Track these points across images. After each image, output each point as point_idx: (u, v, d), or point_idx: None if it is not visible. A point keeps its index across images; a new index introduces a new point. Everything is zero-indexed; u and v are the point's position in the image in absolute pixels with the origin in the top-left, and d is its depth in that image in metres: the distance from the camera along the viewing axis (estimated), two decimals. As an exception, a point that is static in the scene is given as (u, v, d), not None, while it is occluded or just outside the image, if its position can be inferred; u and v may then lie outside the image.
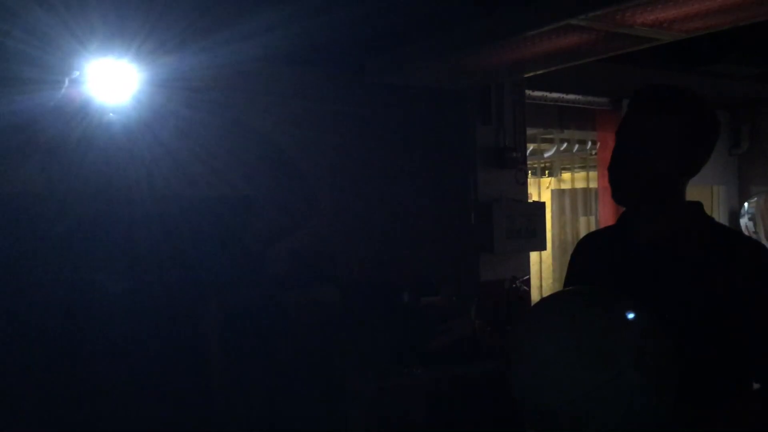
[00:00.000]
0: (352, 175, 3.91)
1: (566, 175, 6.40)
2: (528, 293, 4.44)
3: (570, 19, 2.83)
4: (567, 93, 4.79)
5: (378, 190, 3.99)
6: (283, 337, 3.32)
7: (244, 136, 3.46)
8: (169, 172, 3.10)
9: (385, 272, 3.94)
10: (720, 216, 5.89)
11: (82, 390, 2.88)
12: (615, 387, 1.31)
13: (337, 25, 2.97)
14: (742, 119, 5.90)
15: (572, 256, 1.86)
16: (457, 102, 4.28)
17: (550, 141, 5.59)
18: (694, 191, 1.63)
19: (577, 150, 5.63)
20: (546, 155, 5.88)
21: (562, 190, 6.41)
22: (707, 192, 5.95)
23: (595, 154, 5.48)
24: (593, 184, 5.81)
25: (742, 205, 5.89)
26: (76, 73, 2.76)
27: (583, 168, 6.00)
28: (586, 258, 1.81)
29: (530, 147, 5.22)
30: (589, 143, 5.55)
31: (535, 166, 6.14)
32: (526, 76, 4.04)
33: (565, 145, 5.58)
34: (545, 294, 5.74)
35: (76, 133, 2.85)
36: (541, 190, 6.43)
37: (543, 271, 6.13)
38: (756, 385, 1.55)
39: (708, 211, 1.65)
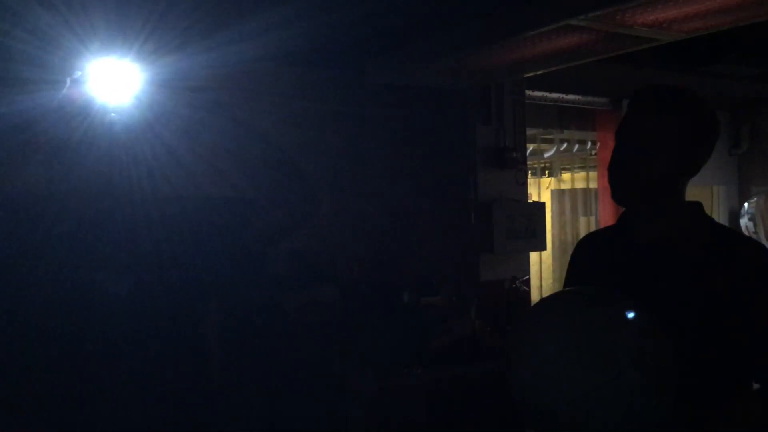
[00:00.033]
0: (352, 175, 3.91)
1: (566, 176, 6.41)
2: (528, 293, 4.44)
3: (570, 20, 2.83)
4: (567, 93, 4.80)
5: (378, 190, 3.99)
6: (284, 337, 3.32)
7: (245, 136, 3.46)
8: (170, 172, 3.11)
9: (385, 272, 3.94)
10: (720, 216, 5.89)
11: (82, 390, 2.88)
12: (615, 387, 1.31)
13: (338, 26, 2.97)
14: (742, 119, 5.90)
15: (572, 256, 1.87)
16: (457, 102, 4.28)
17: (550, 141, 5.59)
18: (694, 191, 1.64)
19: (577, 150, 5.63)
20: (546, 155, 5.88)
21: (562, 190, 6.41)
22: (707, 192, 5.95)
23: (595, 154, 5.48)
24: (593, 185, 5.82)
25: (741, 206, 5.89)
26: (77, 74, 2.76)
27: (583, 168, 6.01)
28: (586, 258, 1.81)
29: (530, 147, 5.23)
30: (589, 143, 5.55)
31: (535, 166, 6.14)
32: (526, 76, 4.05)
33: (565, 145, 5.58)
34: (545, 294, 5.74)
35: (78, 133, 2.85)
36: (541, 190, 6.43)
37: (543, 271, 6.13)
38: (756, 385, 1.55)
39: (708, 212, 1.66)
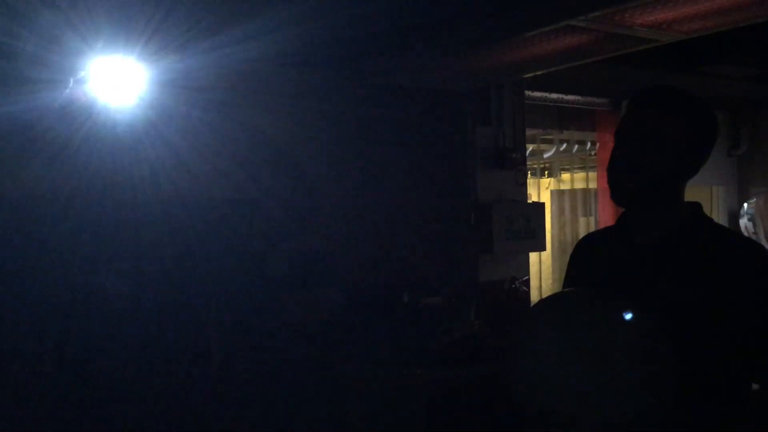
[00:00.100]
0: (352, 175, 3.91)
1: (566, 176, 6.41)
2: (527, 294, 4.44)
3: (570, 20, 2.83)
4: (566, 94, 4.80)
5: (378, 190, 3.99)
6: (284, 338, 3.32)
7: (247, 135, 3.47)
8: (173, 172, 3.11)
9: (385, 273, 3.94)
10: (719, 217, 5.89)
11: (84, 389, 2.88)
12: (613, 388, 1.31)
13: (338, 26, 2.97)
14: (742, 120, 5.91)
15: (571, 256, 1.87)
16: (456, 103, 4.28)
17: (550, 142, 5.60)
18: (693, 192, 1.64)
19: (577, 151, 5.64)
20: (545, 156, 5.88)
21: (561, 190, 6.41)
22: (706, 193, 5.95)
23: (595, 154, 5.48)
24: (593, 185, 5.82)
25: (741, 206, 5.89)
26: (81, 73, 2.76)
27: (582, 169, 6.01)
28: (585, 259, 1.81)
29: (530, 148, 5.23)
30: (589, 144, 5.55)
31: (535, 166, 6.15)
32: (525, 76, 4.05)
33: (564, 145, 5.58)
34: (545, 294, 5.74)
35: (81, 132, 2.85)
36: (541, 190, 6.44)
37: (542, 271, 6.13)
38: (755, 386, 1.55)
39: (707, 212, 1.66)
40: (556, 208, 6.33)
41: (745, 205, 5.83)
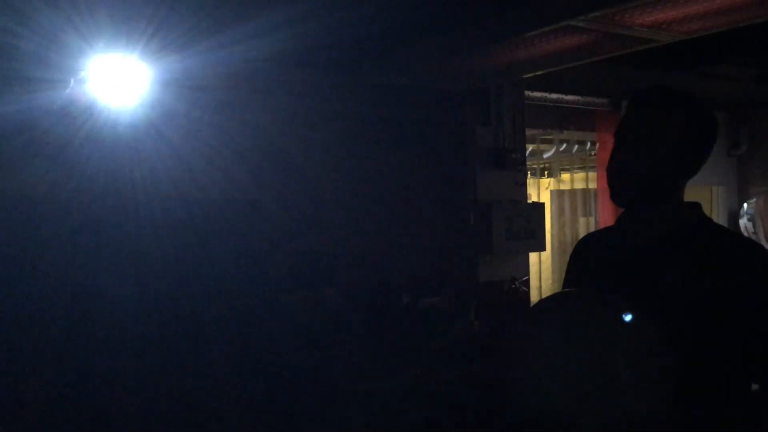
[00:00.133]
0: (352, 175, 3.91)
1: (565, 176, 6.41)
2: (527, 294, 4.44)
3: (569, 20, 2.83)
4: (566, 94, 4.80)
5: (377, 190, 3.99)
6: (284, 338, 3.32)
7: (248, 135, 3.47)
8: (174, 172, 3.11)
9: (384, 273, 3.95)
10: (719, 217, 5.89)
11: (85, 389, 2.88)
12: (612, 388, 1.31)
13: (338, 26, 2.97)
14: (741, 120, 5.91)
15: (571, 256, 1.87)
16: (456, 103, 4.29)
17: (550, 142, 5.59)
18: (693, 192, 1.64)
19: (577, 151, 5.64)
20: (545, 156, 5.88)
21: (561, 190, 6.41)
22: (706, 193, 5.95)
23: (595, 154, 5.48)
24: (592, 185, 5.82)
25: (741, 206, 5.90)
26: (82, 73, 2.76)
27: (582, 169, 6.01)
28: (584, 259, 1.81)
29: (529, 148, 5.23)
30: (589, 144, 5.55)
31: (535, 166, 6.15)
32: (525, 77, 4.05)
33: (564, 145, 5.58)
34: (545, 295, 5.74)
35: (82, 132, 2.85)
36: (541, 190, 6.44)
37: (542, 271, 6.13)
38: (755, 386, 1.55)
39: (707, 212, 1.66)
40: (556, 209, 6.33)
41: (745, 205, 5.84)
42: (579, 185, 6.09)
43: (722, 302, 1.49)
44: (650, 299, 1.47)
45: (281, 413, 3.22)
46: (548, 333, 1.42)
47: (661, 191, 1.59)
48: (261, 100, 3.51)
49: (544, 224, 4.71)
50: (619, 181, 1.62)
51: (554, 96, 4.74)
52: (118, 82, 2.87)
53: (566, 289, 1.80)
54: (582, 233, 5.68)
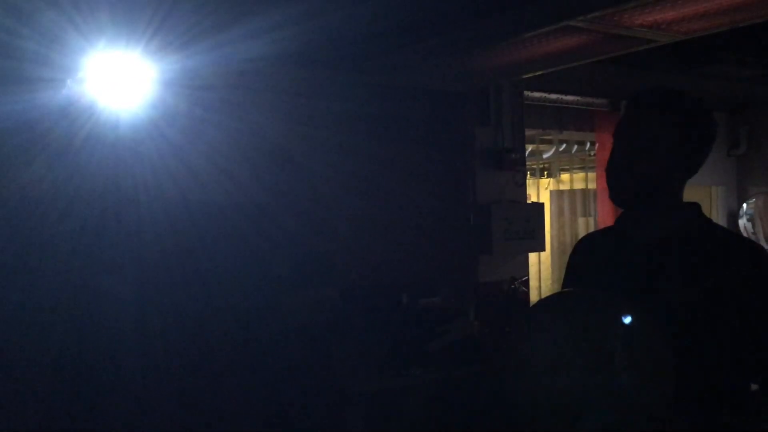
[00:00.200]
0: (351, 175, 3.91)
1: (565, 176, 6.41)
2: (527, 294, 4.44)
3: (569, 21, 2.83)
4: (566, 94, 4.80)
5: (377, 191, 3.99)
6: (284, 338, 3.32)
7: (248, 134, 3.47)
8: (175, 172, 3.11)
9: (384, 273, 3.94)
10: (718, 217, 5.89)
11: (86, 390, 2.88)
12: (611, 389, 1.32)
13: (338, 26, 2.97)
14: (741, 121, 5.91)
15: (570, 257, 1.87)
16: (456, 103, 4.28)
17: (549, 142, 5.60)
18: (692, 192, 1.64)
19: (576, 151, 5.64)
20: (545, 156, 5.88)
21: (560, 191, 6.41)
22: (706, 193, 5.95)
23: (594, 155, 5.48)
24: (592, 185, 5.82)
25: (740, 206, 5.90)
26: (82, 73, 2.76)
27: (581, 169, 6.01)
28: (584, 259, 1.82)
29: (529, 148, 5.23)
30: (588, 144, 5.55)
31: (534, 167, 6.15)
32: (525, 77, 4.05)
33: (563, 146, 5.59)
34: (544, 295, 5.74)
35: (83, 132, 2.85)
36: (540, 191, 6.43)
37: (542, 272, 6.13)
38: (754, 386, 1.55)
39: (706, 212, 1.66)
40: (556, 209, 6.33)
41: (744, 205, 5.84)
42: (578, 185, 6.09)
43: (721, 302, 1.49)
44: (650, 299, 1.47)
45: (281, 413, 3.23)
46: (548, 333, 1.42)
47: (660, 191, 1.60)
48: (261, 99, 3.51)
49: (544, 224, 4.71)
50: (619, 181, 1.62)
51: (554, 96, 4.74)
52: (119, 80, 2.86)
53: (566, 290, 1.80)
54: (581, 233, 5.68)
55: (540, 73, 3.82)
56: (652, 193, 1.59)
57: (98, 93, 2.85)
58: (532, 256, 5.29)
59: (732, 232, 1.73)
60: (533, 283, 5.57)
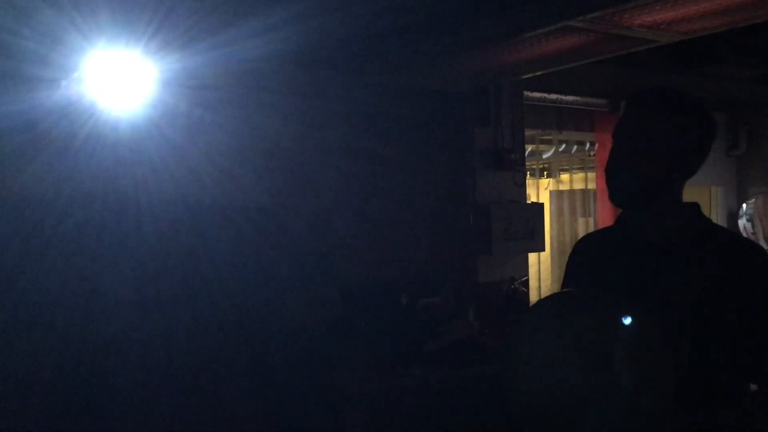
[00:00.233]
0: (351, 175, 3.91)
1: (565, 176, 6.42)
2: (526, 294, 4.44)
3: (568, 21, 2.83)
4: (565, 94, 4.80)
5: (376, 191, 3.99)
6: (283, 338, 3.32)
7: (249, 134, 3.47)
8: (175, 171, 3.11)
9: (383, 273, 3.95)
10: (718, 217, 5.90)
11: (86, 390, 2.88)
12: (611, 389, 1.32)
13: (338, 26, 2.97)
14: (740, 121, 5.92)
15: (570, 257, 1.87)
16: (455, 103, 4.28)
17: (549, 142, 5.60)
18: (692, 192, 1.64)
19: (576, 151, 5.64)
20: (544, 156, 5.88)
21: (560, 191, 6.42)
22: (705, 193, 5.96)
23: (594, 155, 5.49)
24: (592, 185, 5.82)
25: (740, 207, 5.90)
26: (82, 72, 2.76)
27: (581, 169, 6.01)
28: (584, 259, 1.82)
29: (529, 148, 5.23)
30: (588, 144, 5.56)
31: (534, 167, 6.15)
32: (524, 77, 4.05)
33: (563, 146, 5.59)
34: (544, 295, 5.74)
35: (83, 132, 2.85)
36: (540, 191, 6.43)
37: (542, 272, 6.13)
38: (753, 386, 1.56)
39: (706, 213, 1.66)
40: (555, 209, 6.33)
41: (744, 205, 5.84)
42: (578, 186, 6.10)
43: (721, 303, 1.49)
44: (649, 299, 1.47)
45: (281, 413, 3.22)
46: (548, 333, 1.42)
47: (659, 191, 1.60)
48: (261, 99, 3.51)
49: (543, 225, 4.71)
50: (618, 181, 1.62)
51: (553, 96, 4.74)
52: (119, 80, 2.86)
53: (566, 290, 1.80)
54: (581, 233, 5.68)
55: (540, 73, 3.82)
56: (651, 193, 1.59)
57: (98, 93, 2.85)
58: (532, 257, 5.29)
59: (732, 232, 1.73)
60: (533, 283, 5.57)
